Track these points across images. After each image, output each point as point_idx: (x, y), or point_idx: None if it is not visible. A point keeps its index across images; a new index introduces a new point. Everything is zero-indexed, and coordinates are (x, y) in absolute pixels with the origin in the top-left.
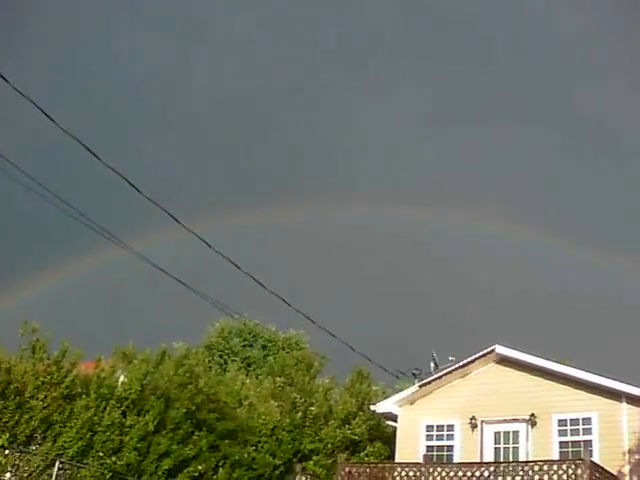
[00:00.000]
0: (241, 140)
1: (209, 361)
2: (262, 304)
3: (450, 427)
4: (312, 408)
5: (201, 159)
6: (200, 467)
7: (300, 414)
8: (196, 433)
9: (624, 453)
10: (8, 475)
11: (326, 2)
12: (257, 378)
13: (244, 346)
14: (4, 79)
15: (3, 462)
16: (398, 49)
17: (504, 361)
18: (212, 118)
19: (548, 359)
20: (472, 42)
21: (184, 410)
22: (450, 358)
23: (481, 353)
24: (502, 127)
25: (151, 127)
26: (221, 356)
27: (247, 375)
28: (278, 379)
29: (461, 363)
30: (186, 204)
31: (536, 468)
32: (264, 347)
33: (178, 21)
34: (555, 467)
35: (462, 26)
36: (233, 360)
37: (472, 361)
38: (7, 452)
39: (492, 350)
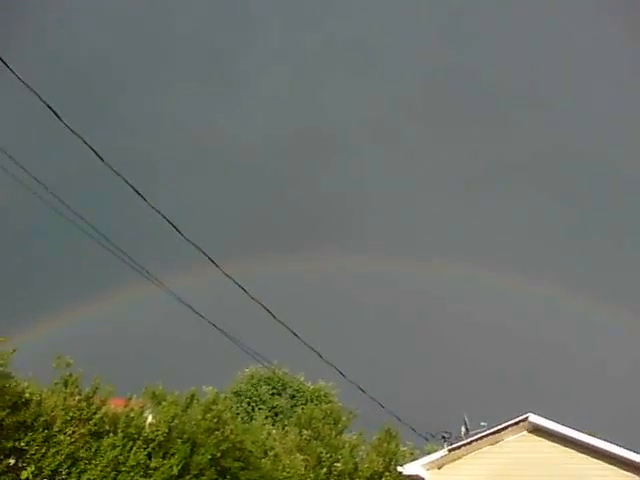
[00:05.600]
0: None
1: (237, 408)
2: (292, 353)
3: None
4: (337, 464)
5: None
6: None
7: (325, 469)
8: None
9: None
10: None
11: (344, 63)
12: (284, 429)
13: (272, 394)
14: (57, 116)
15: None
16: (417, 112)
17: (537, 430)
18: (233, 172)
19: (581, 431)
20: (490, 105)
21: (209, 456)
22: (482, 423)
23: (514, 421)
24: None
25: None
26: (249, 403)
27: (274, 425)
28: (305, 431)
29: (493, 430)
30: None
31: None
32: (292, 397)
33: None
34: None
35: (479, 88)
36: (260, 408)
37: (504, 428)
38: None
39: (525, 418)
